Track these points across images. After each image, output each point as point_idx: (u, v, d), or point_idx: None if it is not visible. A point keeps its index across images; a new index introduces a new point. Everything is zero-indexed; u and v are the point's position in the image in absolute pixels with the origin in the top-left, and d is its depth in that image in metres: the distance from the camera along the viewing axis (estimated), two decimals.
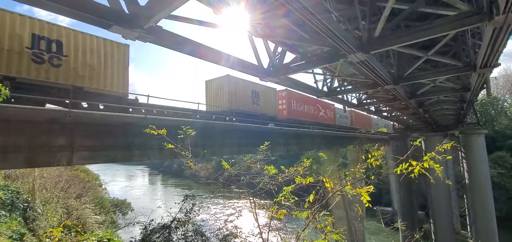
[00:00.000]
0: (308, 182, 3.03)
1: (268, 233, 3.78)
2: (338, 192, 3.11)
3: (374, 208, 35.88)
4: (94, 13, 3.22)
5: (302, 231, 3.08)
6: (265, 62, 6.65)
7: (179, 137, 4.75)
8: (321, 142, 20.27)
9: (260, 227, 3.55)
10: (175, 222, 5.99)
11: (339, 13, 5.57)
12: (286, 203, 3.70)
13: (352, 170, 3.63)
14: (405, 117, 21.17)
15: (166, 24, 4.07)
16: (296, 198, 3.43)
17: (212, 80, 16.50)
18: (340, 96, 11.37)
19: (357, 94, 12.53)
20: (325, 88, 9.61)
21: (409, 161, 2.95)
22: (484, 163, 20.63)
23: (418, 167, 2.47)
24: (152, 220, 7.10)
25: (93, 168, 40.80)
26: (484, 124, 38.60)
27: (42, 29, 8.05)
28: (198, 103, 11.47)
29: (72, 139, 8.04)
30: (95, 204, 24.14)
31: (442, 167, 2.54)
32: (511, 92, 56.17)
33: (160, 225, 6.42)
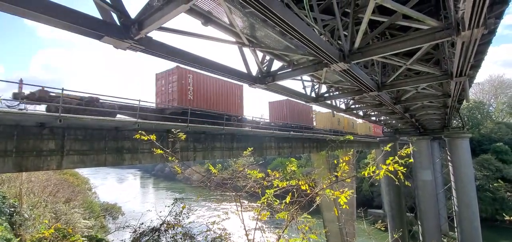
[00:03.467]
0: (285, 185, 3.25)
1: (254, 234, 3.97)
2: (316, 194, 3.33)
3: (368, 210, 36.61)
4: (86, 25, 3.38)
5: (282, 231, 3.29)
6: (254, 69, 6.88)
7: (169, 140, 4.92)
8: (311, 144, 20.61)
9: (246, 228, 3.74)
10: (165, 225, 6.12)
11: (323, 23, 5.85)
12: (275, 205, 3.92)
13: (335, 173, 3.87)
14: (393, 122, 21.73)
15: (156, 34, 4.24)
16: (278, 201, 3.64)
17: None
18: (329, 102, 11.67)
19: (345, 100, 12.88)
20: (313, 94, 9.90)
21: (387, 164, 3.20)
22: (468, 165, 21.34)
23: (383, 170, 2.71)
24: (142, 223, 7.19)
25: (83, 171, 40.21)
26: (470, 128, 39.78)
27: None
28: (190, 108, 11.53)
29: (62, 142, 8.08)
30: (85, 209, 23.81)
31: (405, 169, 2.79)
32: (496, 97, 58.16)
33: (150, 228, 6.53)
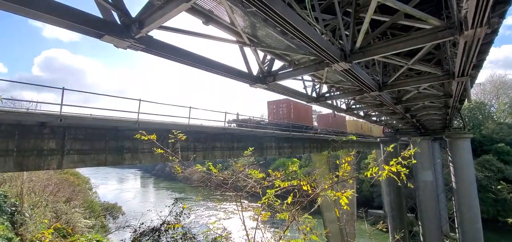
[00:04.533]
0: (286, 185, 3.24)
1: (254, 234, 3.95)
2: (318, 195, 3.32)
3: (369, 211, 36.57)
4: (87, 24, 3.37)
5: (284, 232, 3.27)
6: (255, 69, 6.86)
7: (169, 141, 4.90)
8: (311, 145, 20.58)
9: (247, 228, 3.73)
10: (165, 225, 6.11)
11: (324, 23, 5.83)
12: (276, 205, 3.90)
13: (336, 174, 3.85)
14: (394, 122, 21.68)
15: (156, 33, 4.23)
16: (279, 201, 3.62)
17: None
18: (330, 102, 11.65)
19: (346, 100, 12.85)
20: (314, 94, 9.87)
21: (391, 165, 3.18)
22: (469, 166, 21.26)
23: (386, 171, 2.69)
24: (142, 223, 7.19)
25: (84, 171, 40.32)
26: (471, 128, 39.69)
27: None
28: (190, 107, 11.55)
29: (63, 142, 8.08)
30: (85, 208, 23.85)
31: (407, 170, 2.77)
32: (497, 98, 57.96)
33: (150, 228, 6.52)
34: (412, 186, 3.57)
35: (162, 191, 66.59)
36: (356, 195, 28.77)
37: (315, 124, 30.75)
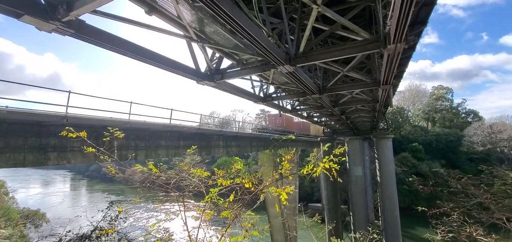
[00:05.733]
0: (229, 183, 3.28)
1: (197, 234, 3.88)
2: (261, 192, 3.44)
3: (309, 204, 39.37)
4: (2, 1, 2.84)
5: (225, 230, 3.30)
6: (203, 66, 6.72)
7: (104, 139, 4.45)
8: (259, 144, 21.14)
9: (189, 228, 3.64)
10: (97, 232, 5.52)
11: (272, 26, 6.06)
12: (220, 203, 3.88)
13: (279, 171, 4.04)
14: (332, 123, 23.77)
15: (92, 19, 3.79)
16: (222, 200, 3.64)
17: None
18: (276, 102, 12.14)
19: (291, 101, 13.57)
20: (261, 94, 10.16)
21: (320, 163, 3.47)
22: (391, 162, 24.71)
23: (319, 168, 2.96)
24: (69, 230, 6.38)
25: None
26: (393, 130, 46.05)
27: None
28: (131, 102, 10.62)
29: None
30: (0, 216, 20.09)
31: (338, 167, 3.10)
32: (413, 104, 68.69)
33: (78, 236, 5.82)
34: (341, 181, 3.97)
35: (96, 194, 60.11)
36: (298, 190, 30.72)
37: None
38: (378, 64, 8.19)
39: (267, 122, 37.09)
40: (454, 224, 5.44)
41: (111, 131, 4.37)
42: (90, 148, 3.75)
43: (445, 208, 5.85)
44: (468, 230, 5.13)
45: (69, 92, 8.49)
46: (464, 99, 68.96)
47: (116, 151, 4.32)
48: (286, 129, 35.72)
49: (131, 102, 10.67)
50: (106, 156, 3.75)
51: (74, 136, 3.58)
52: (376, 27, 6.80)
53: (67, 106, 8.35)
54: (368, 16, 7.13)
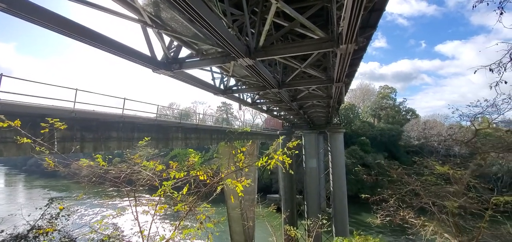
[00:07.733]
0: (182, 175, 3.21)
1: (149, 229, 3.73)
2: (217, 184, 3.43)
3: (267, 195, 40.53)
4: None
5: (178, 223, 3.23)
6: (159, 54, 6.37)
7: (42, 131, 3.97)
8: (219, 136, 20.96)
9: (140, 223, 3.48)
10: (34, 231, 4.95)
11: (233, 18, 6.00)
12: (175, 197, 3.76)
13: (236, 163, 4.06)
14: (291, 117, 24.70)
15: None
16: (176, 193, 3.54)
17: None
18: (237, 95, 12.13)
19: (251, 94, 13.69)
20: (221, 86, 10.05)
21: (274, 155, 3.59)
22: (341, 155, 26.69)
23: (273, 160, 3.07)
24: (2, 230, 5.62)
25: None
26: (345, 125, 49.74)
27: None
28: (76, 89, 9.55)
29: None
30: None
31: (291, 160, 3.25)
32: (363, 102, 74.87)
33: (12, 236, 5.16)
34: (292, 172, 4.17)
35: (35, 190, 53.53)
36: (257, 182, 31.42)
37: None
38: (333, 63, 8.70)
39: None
40: (391, 209, 6.16)
41: (51, 121, 3.92)
42: (25, 138, 3.32)
43: (384, 195, 6.56)
44: (401, 213, 5.85)
45: (1, 75, 7.31)
46: (404, 98, 77.36)
47: (56, 143, 3.90)
48: (274, 127, 41.68)
49: (76, 90, 9.61)
50: (40, 147, 3.35)
51: (6, 125, 3.12)
52: (332, 28, 7.23)
53: None
54: (325, 16, 7.49)
